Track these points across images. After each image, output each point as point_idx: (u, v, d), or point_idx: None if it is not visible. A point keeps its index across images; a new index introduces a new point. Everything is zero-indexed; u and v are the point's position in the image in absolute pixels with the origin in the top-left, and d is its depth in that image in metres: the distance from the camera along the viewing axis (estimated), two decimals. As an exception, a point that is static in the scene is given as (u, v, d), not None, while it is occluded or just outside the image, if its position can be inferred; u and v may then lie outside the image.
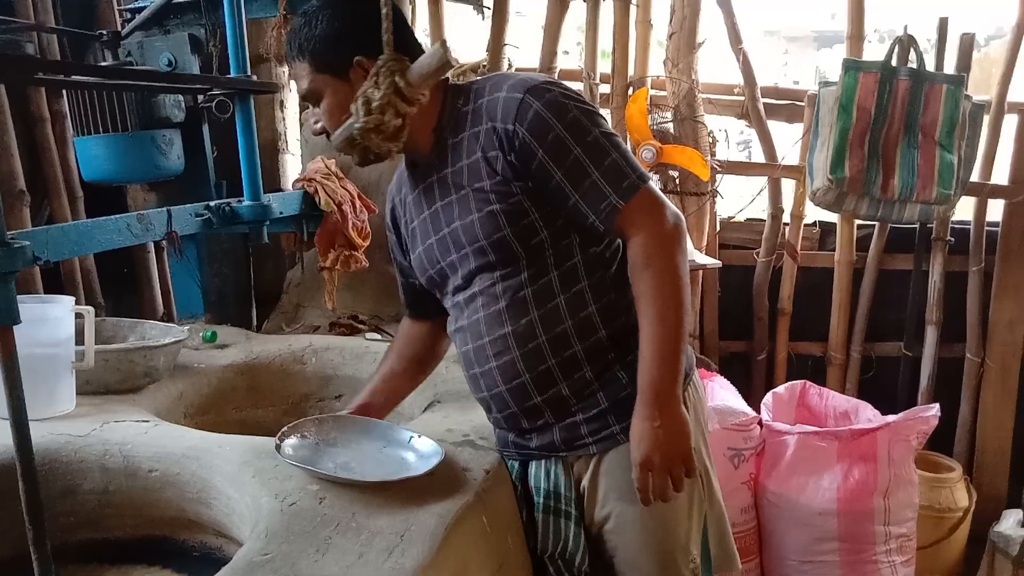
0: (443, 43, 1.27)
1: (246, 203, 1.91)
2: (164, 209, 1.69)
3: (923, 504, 2.62)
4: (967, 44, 2.75)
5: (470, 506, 1.37)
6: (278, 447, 1.44)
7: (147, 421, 1.66)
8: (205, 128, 2.31)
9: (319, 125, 1.46)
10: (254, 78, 1.90)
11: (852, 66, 2.64)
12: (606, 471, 1.45)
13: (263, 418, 2.16)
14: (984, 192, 2.94)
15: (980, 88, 3.19)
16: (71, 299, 1.71)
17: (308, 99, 1.46)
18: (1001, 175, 2.99)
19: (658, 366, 1.31)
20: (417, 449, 1.52)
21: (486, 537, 1.39)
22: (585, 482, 1.47)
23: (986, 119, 2.86)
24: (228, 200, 1.90)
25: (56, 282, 2.51)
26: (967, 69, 2.75)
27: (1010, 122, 2.94)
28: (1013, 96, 2.95)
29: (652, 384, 1.31)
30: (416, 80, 1.29)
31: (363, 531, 1.24)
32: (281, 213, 2.04)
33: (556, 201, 1.37)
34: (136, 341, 1.99)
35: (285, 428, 1.52)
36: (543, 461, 1.51)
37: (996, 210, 3.00)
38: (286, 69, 2.89)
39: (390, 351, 1.75)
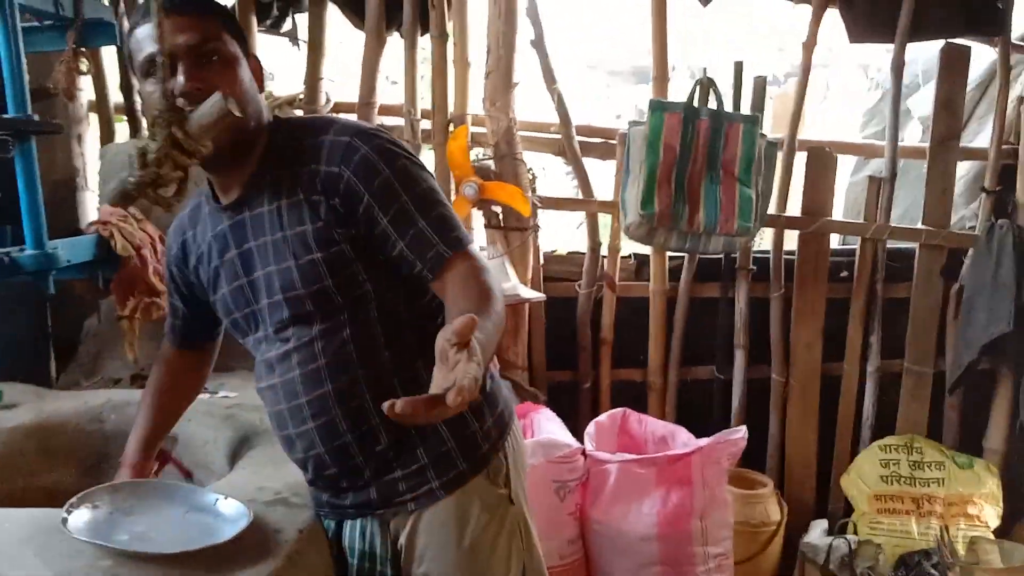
0: (224, 94, 1.22)
1: (28, 252, 1.75)
2: (-73, 263, 1.53)
3: (739, 520, 2.75)
4: (759, 86, 2.95)
5: (280, 571, 1.31)
6: (65, 520, 1.33)
7: (-87, 498, 1.49)
8: (-16, 168, 2.11)
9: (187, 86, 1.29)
10: (36, 117, 1.75)
11: (658, 107, 2.76)
12: (425, 529, 1.41)
13: (59, 483, 1.98)
14: (780, 223, 3.15)
15: (782, 123, 3.44)
16: None
17: (199, 56, 1.30)
18: (796, 207, 3.23)
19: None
20: (222, 513, 1.44)
21: (297, 603, 1.33)
22: (402, 540, 1.43)
23: (780, 156, 3.07)
24: (8, 249, 1.73)
25: None
26: (761, 109, 2.94)
27: (801, 159, 3.17)
28: (805, 135, 3.22)
29: None
30: (195, 131, 1.24)
31: (158, 612, 1.15)
32: (69, 261, 1.89)
33: (381, 248, 1.32)
34: (-98, 407, 1.79)
35: (74, 499, 1.41)
36: (358, 520, 1.46)
37: (793, 240, 3.22)
38: (81, 103, 2.72)
39: (157, 386, 1.71)
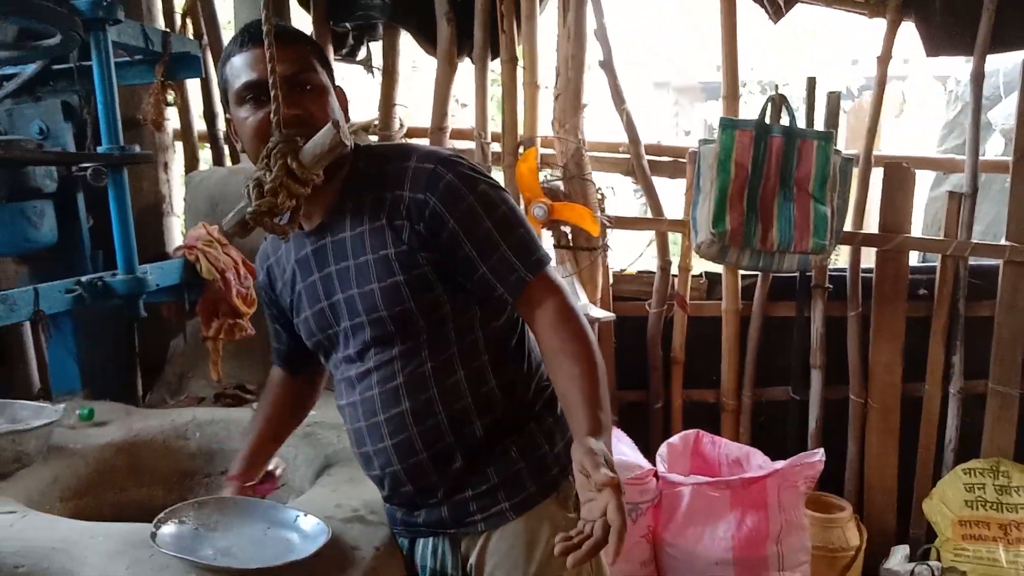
0: (335, 123, 1.27)
1: (120, 277, 1.84)
2: (30, 288, 1.62)
3: (817, 544, 2.69)
4: (834, 102, 2.90)
5: (357, 587, 1.34)
6: (153, 535, 1.37)
7: (14, 512, 1.55)
8: (80, 197, 2.22)
9: (275, 115, 1.31)
10: (136, 148, 1.84)
11: (728, 124, 2.75)
12: (494, 550, 1.42)
13: (146, 499, 2.06)
14: (857, 241, 3.08)
15: (857, 137, 3.37)
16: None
17: (294, 84, 1.34)
18: (873, 224, 3.15)
19: (591, 406, 1.22)
20: (302, 529, 1.47)
21: (374, 619, 1.35)
22: (472, 560, 1.44)
23: (855, 172, 3.02)
24: (101, 274, 1.82)
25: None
26: (835, 125, 2.90)
27: (878, 174, 3.10)
28: (881, 150, 3.15)
29: (589, 429, 1.20)
30: (309, 161, 1.28)
31: (241, 625, 1.19)
32: (158, 285, 1.97)
33: (464, 272, 1.36)
34: (4, 424, 1.87)
35: (162, 514, 1.45)
36: (430, 539, 1.48)
37: (870, 257, 3.15)
38: (167, 132, 2.84)
39: (265, 405, 1.75)
